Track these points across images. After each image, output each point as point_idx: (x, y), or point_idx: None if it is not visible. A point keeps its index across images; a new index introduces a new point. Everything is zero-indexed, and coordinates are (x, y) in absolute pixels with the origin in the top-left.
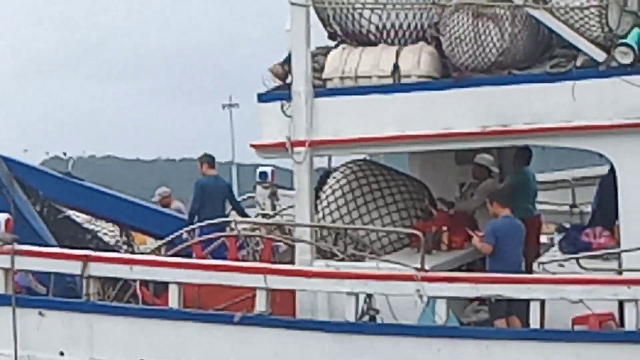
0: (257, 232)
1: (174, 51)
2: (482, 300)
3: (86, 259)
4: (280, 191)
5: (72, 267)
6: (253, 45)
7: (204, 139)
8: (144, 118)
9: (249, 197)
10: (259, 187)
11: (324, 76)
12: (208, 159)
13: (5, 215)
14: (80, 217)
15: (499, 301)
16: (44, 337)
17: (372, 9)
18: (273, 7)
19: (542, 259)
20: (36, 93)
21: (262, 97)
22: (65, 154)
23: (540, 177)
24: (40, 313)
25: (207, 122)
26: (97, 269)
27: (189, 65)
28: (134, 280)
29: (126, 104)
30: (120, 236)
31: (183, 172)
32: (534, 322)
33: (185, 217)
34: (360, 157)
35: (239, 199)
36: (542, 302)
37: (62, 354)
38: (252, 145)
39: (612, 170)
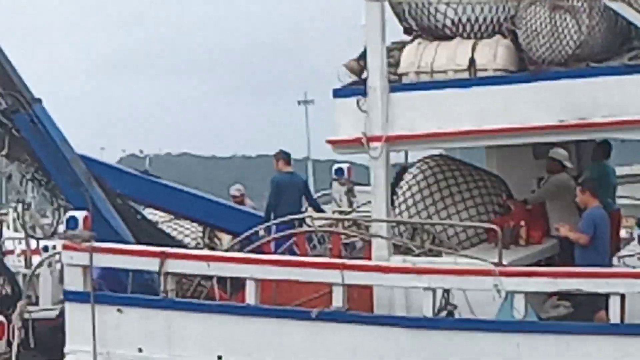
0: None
1: (249, 47)
2: (561, 295)
3: (164, 256)
4: (357, 187)
5: (150, 264)
6: (327, 40)
7: (280, 136)
8: (220, 115)
9: (325, 194)
10: (335, 184)
11: (399, 71)
12: (284, 156)
13: (84, 213)
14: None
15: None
16: (122, 334)
17: (447, 3)
18: (348, 2)
19: (622, 252)
20: (112, 91)
21: (338, 93)
22: (141, 151)
23: (619, 171)
24: (118, 310)
25: (283, 119)
26: (175, 266)
27: (264, 62)
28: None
29: (202, 101)
30: (203, 237)
31: (259, 169)
32: (614, 317)
33: (261, 213)
34: (437, 152)
35: (315, 196)
36: (622, 297)
37: (140, 350)
38: (328, 141)
39: None
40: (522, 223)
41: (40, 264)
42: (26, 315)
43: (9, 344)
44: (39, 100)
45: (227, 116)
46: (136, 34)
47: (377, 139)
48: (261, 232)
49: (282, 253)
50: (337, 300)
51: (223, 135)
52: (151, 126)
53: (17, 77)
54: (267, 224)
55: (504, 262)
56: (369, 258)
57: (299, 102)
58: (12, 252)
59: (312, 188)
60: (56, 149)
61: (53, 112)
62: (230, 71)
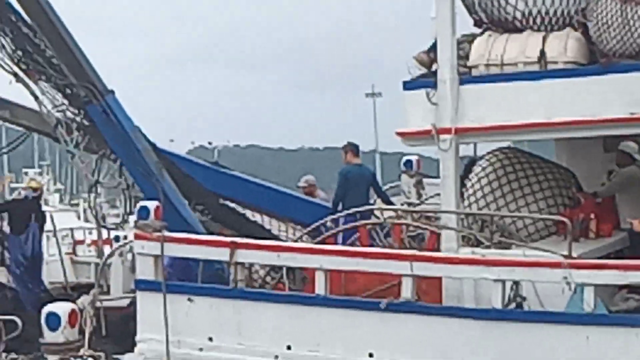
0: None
1: (317, 39)
2: (631, 288)
3: (234, 246)
4: (425, 180)
5: (220, 254)
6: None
7: (347, 128)
8: (288, 107)
9: (394, 186)
10: (404, 176)
11: (469, 63)
12: (352, 148)
13: (155, 203)
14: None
15: None
16: (193, 323)
17: None
18: None
19: None
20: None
21: (408, 85)
22: (210, 143)
23: None
24: (189, 299)
25: (350, 111)
26: (245, 256)
27: (332, 54)
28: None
29: (270, 93)
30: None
31: (327, 161)
32: None
33: (330, 205)
34: (506, 144)
35: (383, 188)
36: None
37: (210, 339)
38: (397, 133)
39: None
40: (592, 216)
41: (112, 254)
42: (98, 304)
43: (81, 332)
44: (112, 92)
45: (295, 108)
46: (206, 26)
47: (447, 131)
48: (329, 224)
49: (351, 244)
50: (406, 291)
51: (291, 127)
52: (220, 118)
53: (90, 68)
54: (334, 216)
55: (574, 254)
56: (434, 250)
57: (367, 95)
58: (82, 242)
59: (379, 180)
60: (128, 139)
61: (123, 103)
62: (298, 64)
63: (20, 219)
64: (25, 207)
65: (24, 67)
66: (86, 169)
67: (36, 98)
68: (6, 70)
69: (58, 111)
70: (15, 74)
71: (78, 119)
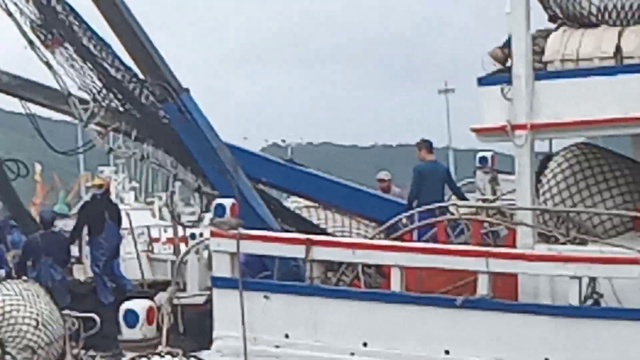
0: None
1: (389, 36)
2: None
3: (310, 243)
4: (500, 176)
5: (296, 251)
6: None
7: (420, 125)
8: (361, 104)
9: (469, 182)
10: (479, 172)
11: (544, 59)
12: (426, 144)
13: (231, 201)
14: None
15: None
16: (269, 320)
17: None
18: None
19: None
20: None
21: (482, 81)
22: (283, 141)
23: None
24: (265, 296)
25: (423, 108)
26: (320, 253)
27: (405, 51)
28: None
29: (343, 90)
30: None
31: (400, 158)
32: None
33: (405, 202)
34: (580, 140)
35: (458, 184)
36: None
37: (287, 336)
38: (472, 129)
39: None
40: None
41: (188, 251)
42: (175, 301)
43: (159, 329)
44: (187, 90)
45: (367, 105)
46: (280, 23)
47: (522, 127)
48: (404, 221)
49: (426, 241)
50: (482, 288)
51: (364, 124)
52: (293, 116)
53: (165, 67)
54: (410, 212)
55: None
56: (510, 246)
57: (440, 91)
58: (157, 239)
59: (453, 177)
60: (203, 137)
61: (197, 101)
62: (371, 60)
63: (94, 219)
64: (96, 206)
65: (41, 35)
66: (101, 140)
67: (50, 67)
68: (24, 36)
69: (92, 95)
70: (30, 42)
71: (114, 103)
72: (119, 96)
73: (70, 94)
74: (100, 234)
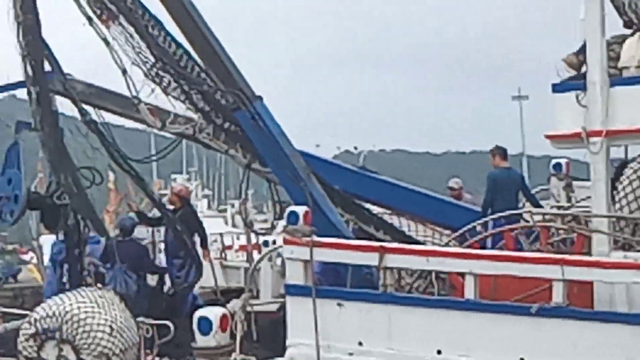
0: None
1: (460, 42)
2: None
3: (383, 251)
4: (575, 183)
5: (369, 259)
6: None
7: (493, 131)
8: (433, 111)
9: (543, 189)
10: (553, 179)
11: (619, 65)
12: (500, 151)
13: (304, 208)
14: None
15: None
16: (342, 328)
17: None
18: None
19: None
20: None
21: (557, 88)
22: (356, 148)
23: None
24: (339, 304)
25: (496, 114)
26: (394, 260)
27: (477, 57)
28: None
29: (415, 96)
30: None
31: (472, 165)
32: None
33: (478, 209)
34: None
35: (532, 191)
36: None
37: (360, 344)
38: (546, 136)
39: None
40: None
41: (262, 258)
42: (248, 309)
43: (232, 336)
44: (260, 98)
45: (440, 112)
46: (350, 29)
47: (597, 133)
48: (478, 228)
49: (500, 249)
50: (557, 295)
51: (436, 131)
52: (365, 122)
53: (238, 74)
54: (483, 220)
55: None
56: (581, 253)
57: (513, 98)
58: (230, 247)
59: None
60: (276, 145)
61: (269, 107)
62: (443, 66)
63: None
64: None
65: (98, 12)
66: (151, 118)
67: (107, 44)
68: (82, 12)
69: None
70: (89, 18)
71: (166, 79)
72: (171, 71)
73: (140, 101)
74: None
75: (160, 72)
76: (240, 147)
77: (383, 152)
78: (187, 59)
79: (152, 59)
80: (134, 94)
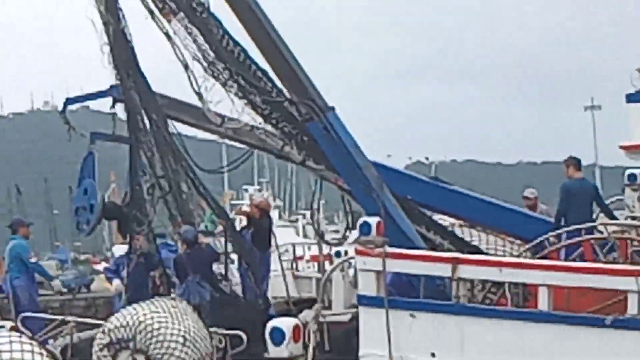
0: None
1: (530, 52)
2: None
3: (456, 262)
4: None
5: (442, 270)
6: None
7: (565, 142)
8: (505, 121)
9: (617, 200)
10: (627, 190)
11: None
12: (574, 162)
13: (376, 219)
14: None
15: None
16: (415, 339)
17: None
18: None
19: None
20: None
21: (632, 98)
22: (427, 158)
23: None
24: (411, 315)
25: (568, 125)
26: (467, 271)
27: (549, 66)
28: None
29: (487, 107)
30: None
31: (545, 175)
32: None
33: (551, 219)
34: None
35: (606, 202)
36: None
37: (433, 355)
38: (621, 147)
39: None
40: None
41: (334, 269)
42: (321, 319)
43: (305, 347)
44: (332, 108)
45: (512, 123)
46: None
47: None
48: (551, 239)
49: (573, 260)
50: (632, 307)
51: (508, 141)
52: (436, 133)
53: (310, 85)
54: (558, 231)
55: None
56: None
57: (586, 108)
58: (301, 257)
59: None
60: (349, 156)
61: (342, 118)
62: (515, 77)
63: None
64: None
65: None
66: (212, 115)
67: (169, 38)
68: (144, 6)
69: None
70: (151, 12)
71: (224, 76)
72: (230, 67)
73: (201, 96)
74: (266, 250)
75: (230, 82)
76: (311, 157)
77: (454, 162)
78: (255, 69)
79: (212, 55)
80: (196, 90)
